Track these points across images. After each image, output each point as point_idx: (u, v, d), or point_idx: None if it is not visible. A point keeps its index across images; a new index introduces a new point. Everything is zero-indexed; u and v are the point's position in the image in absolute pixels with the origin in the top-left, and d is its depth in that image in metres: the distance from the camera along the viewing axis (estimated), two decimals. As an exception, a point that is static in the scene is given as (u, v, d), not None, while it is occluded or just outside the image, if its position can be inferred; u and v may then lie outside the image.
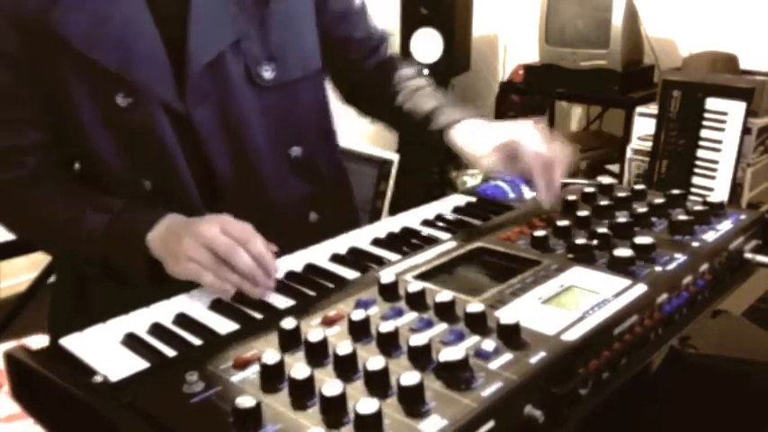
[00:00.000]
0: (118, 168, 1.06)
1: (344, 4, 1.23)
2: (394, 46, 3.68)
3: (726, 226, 0.97)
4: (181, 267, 0.89)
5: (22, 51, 1.00)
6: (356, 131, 3.78)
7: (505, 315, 0.71)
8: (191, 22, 1.03)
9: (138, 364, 0.73)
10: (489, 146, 1.05)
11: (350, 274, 0.93)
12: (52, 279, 2.42)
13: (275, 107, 1.12)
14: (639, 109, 2.80)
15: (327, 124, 1.24)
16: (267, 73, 1.09)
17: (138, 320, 0.82)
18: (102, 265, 1.02)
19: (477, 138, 1.09)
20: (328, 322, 0.75)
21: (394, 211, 1.05)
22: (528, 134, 1.04)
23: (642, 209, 1.00)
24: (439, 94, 1.26)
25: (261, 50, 1.08)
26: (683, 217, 0.96)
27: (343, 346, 0.66)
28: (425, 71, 3.79)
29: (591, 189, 1.10)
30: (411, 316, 0.75)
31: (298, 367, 0.63)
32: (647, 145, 2.69)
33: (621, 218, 0.97)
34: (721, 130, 2.51)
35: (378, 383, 0.62)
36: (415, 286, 0.79)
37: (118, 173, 1.06)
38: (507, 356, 0.66)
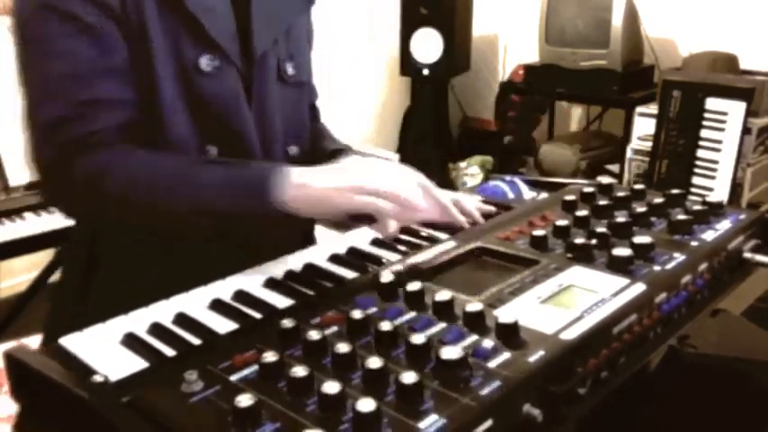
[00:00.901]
0: (185, 134, 1.03)
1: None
2: (393, 47, 3.69)
3: (725, 225, 0.98)
4: (358, 201, 0.90)
5: (116, 1, 0.97)
6: (356, 131, 3.79)
7: (504, 314, 0.71)
8: (253, 9, 1.07)
9: (138, 363, 0.74)
10: None
11: (349, 274, 0.93)
12: (53, 279, 2.43)
13: (289, 104, 1.15)
14: (639, 109, 2.80)
15: (308, 131, 1.26)
16: (290, 69, 1.14)
17: (138, 320, 0.82)
18: (220, 223, 0.97)
19: None
20: (327, 322, 0.75)
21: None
22: None
23: (641, 209, 1.01)
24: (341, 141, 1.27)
25: (286, 47, 1.14)
26: (682, 216, 0.97)
27: (342, 346, 0.66)
28: (425, 71, 3.78)
29: (590, 189, 1.11)
30: (410, 315, 0.76)
31: (297, 367, 0.63)
32: (647, 145, 2.69)
33: (620, 217, 0.97)
34: (721, 130, 2.52)
35: (376, 382, 0.62)
36: (414, 286, 0.79)
37: (184, 136, 1.03)
38: (506, 355, 0.67)
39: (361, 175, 0.92)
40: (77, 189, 0.98)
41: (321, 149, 1.23)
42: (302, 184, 0.91)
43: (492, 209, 1.13)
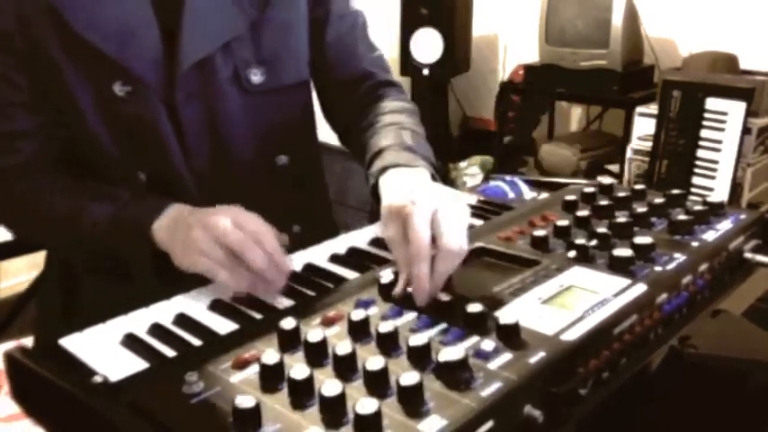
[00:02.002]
0: (113, 159, 1.04)
1: (344, 26, 1.19)
2: (393, 47, 3.69)
3: (725, 226, 0.98)
4: (190, 260, 0.87)
5: (19, 32, 0.97)
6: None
7: (505, 315, 0.71)
8: (184, 20, 1.01)
9: (138, 364, 0.73)
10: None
11: (349, 274, 0.93)
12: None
13: (263, 113, 1.10)
14: (639, 109, 2.80)
15: (313, 135, 1.23)
16: (256, 77, 1.08)
17: (138, 321, 0.82)
18: (106, 259, 1.00)
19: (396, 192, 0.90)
20: (328, 322, 0.75)
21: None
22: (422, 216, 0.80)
23: (642, 209, 1.00)
24: (405, 132, 1.06)
25: (252, 54, 1.07)
26: (682, 217, 0.97)
27: (343, 346, 0.66)
28: (425, 71, 3.77)
29: (591, 189, 1.11)
30: (410, 316, 0.75)
31: (297, 367, 0.63)
32: (647, 145, 2.69)
33: (621, 218, 0.97)
34: (721, 130, 2.51)
35: (377, 383, 0.62)
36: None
37: (114, 164, 1.04)
38: (507, 356, 0.67)
39: (173, 252, 0.90)
40: None
41: (370, 146, 1.06)
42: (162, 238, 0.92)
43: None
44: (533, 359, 0.66)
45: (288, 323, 0.72)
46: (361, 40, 1.20)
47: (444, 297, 0.76)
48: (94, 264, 1.09)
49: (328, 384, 0.60)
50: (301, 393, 0.62)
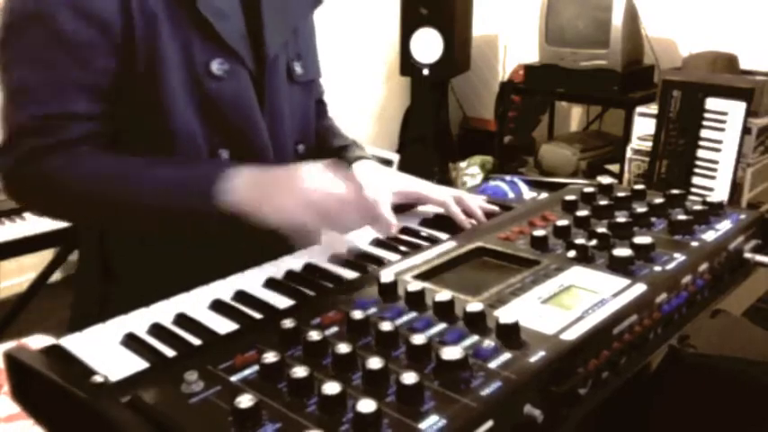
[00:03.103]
0: (197, 138, 1.04)
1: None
2: (393, 47, 3.69)
3: (725, 226, 0.98)
4: (287, 221, 0.88)
5: (117, 14, 0.96)
6: (356, 132, 3.79)
7: (505, 315, 0.71)
8: (264, 11, 1.08)
9: (138, 364, 0.74)
10: (389, 190, 1.11)
11: (349, 274, 0.93)
12: (53, 278, 2.43)
13: (297, 103, 1.17)
14: (639, 109, 2.80)
15: (314, 128, 1.27)
16: (298, 69, 1.15)
17: (138, 320, 0.82)
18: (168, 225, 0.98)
19: (379, 178, 1.15)
20: (328, 322, 0.75)
21: (394, 210, 1.05)
22: (429, 185, 1.16)
23: (642, 209, 1.00)
24: (347, 136, 1.32)
25: (294, 48, 1.15)
26: (682, 217, 0.97)
27: (343, 346, 0.66)
28: (425, 71, 3.78)
29: (590, 189, 1.11)
30: (410, 316, 0.75)
31: (297, 367, 0.63)
32: (647, 145, 2.69)
33: (621, 218, 0.97)
34: (721, 130, 2.51)
35: (377, 383, 0.62)
36: (414, 286, 0.79)
37: (197, 143, 1.04)
38: (506, 356, 0.67)
39: (255, 202, 0.90)
40: (32, 194, 1.01)
41: (328, 145, 1.25)
42: (239, 200, 0.91)
43: (495, 208, 1.13)
44: (533, 359, 0.66)
45: (288, 323, 0.72)
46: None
47: (445, 297, 0.76)
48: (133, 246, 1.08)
49: (328, 384, 0.60)
50: (301, 393, 0.62)
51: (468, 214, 1.11)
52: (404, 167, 3.27)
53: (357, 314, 0.73)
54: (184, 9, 0.99)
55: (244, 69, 1.05)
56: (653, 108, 2.70)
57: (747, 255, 0.97)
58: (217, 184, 0.92)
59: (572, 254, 0.89)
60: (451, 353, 0.64)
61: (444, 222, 1.11)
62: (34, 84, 0.96)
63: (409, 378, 0.60)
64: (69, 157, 0.97)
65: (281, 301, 0.87)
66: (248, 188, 0.92)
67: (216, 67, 1.02)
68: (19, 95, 0.96)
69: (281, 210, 0.89)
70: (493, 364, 0.65)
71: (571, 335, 0.70)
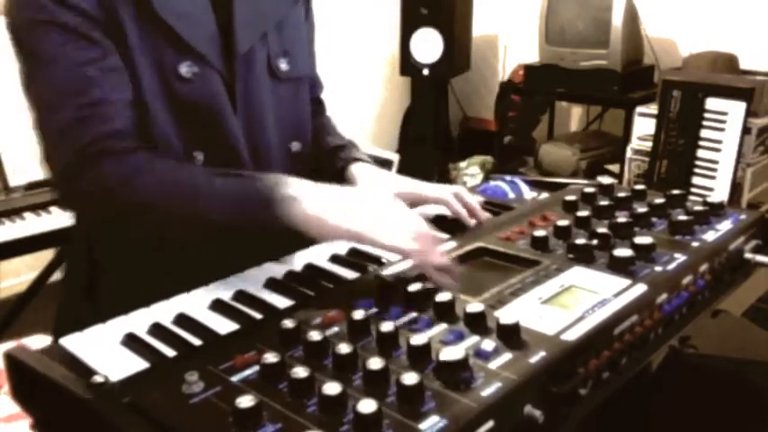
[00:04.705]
0: (171, 140, 1.04)
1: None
2: (393, 47, 3.69)
3: (726, 226, 0.98)
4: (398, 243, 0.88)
5: (96, 9, 0.97)
6: (356, 132, 3.79)
7: (505, 315, 0.71)
8: (236, 5, 1.06)
9: (138, 364, 0.73)
10: (390, 192, 1.09)
11: (349, 274, 0.93)
12: (54, 278, 2.43)
13: (285, 100, 1.16)
14: (639, 109, 2.80)
15: (310, 126, 1.26)
16: (283, 65, 1.14)
17: (138, 320, 0.82)
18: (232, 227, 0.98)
19: (378, 181, 1.16)
20: (328, 322, 0.75)
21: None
22: (427, 185, 1.15)
23: (642, 209, 1.00)
24: (344, 136, 1.32)
25: (278, 44, 1.14)
26: (682, 217, 0.97)
27: (343, 346, 0.66)
28: (425, 71, 3.78)
29: (591, 189, 1.11)
30: (411, 316, 0.75)
31: (297, 367, 0.63)
32: (647, 145, 2.69)
33: (621, 218, 0.97)
34: (721, 130, 2.51)
35: (377, 383, 0.62)
36: (414, 286, 0.79)
37: (172, 145, 1.04)
38: (507, 356, 0.67)
39: (369, 226, 0.90)
40: (97, 193, 0.97)
41: (324, 144, 1.24)
42: (315, 215, 0.91)
43: (488, 215, 1.12)
44: (533, 359, 0.66)
45: (288, 323, 0.72)
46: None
47: (445, 297, 0.76)
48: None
49: (328, 384, 0.60)
50: (302, 393, 0.62)
51: (469, 210, 1.11)
52: (404, 167, 3.28)
53: (358, 314, 0.73)
54: (149, 13, 0.98)
55: (213, 71, 1.04)
56: (653, 108, 2.70)
57: (748, 255, 0.97)
58: (283, 200, 0.92)
59: (572, 254, 0.89)
60: (452, 353, 0.64)
61: (444, 223, 1.11)
62: (62, 81, 0.95)
63: (410, 378, 0.60)
64: (140, 158, 0.97)
65: (282, 302, 0.87)
66: (320, 208, 0.91)
67: (185, 70, 1.01)
68: (54, 96, 0.96)
69: (390, 236, 0.88)
70: (493, 365, 0.65)
71: (572, 335, 0.70)
